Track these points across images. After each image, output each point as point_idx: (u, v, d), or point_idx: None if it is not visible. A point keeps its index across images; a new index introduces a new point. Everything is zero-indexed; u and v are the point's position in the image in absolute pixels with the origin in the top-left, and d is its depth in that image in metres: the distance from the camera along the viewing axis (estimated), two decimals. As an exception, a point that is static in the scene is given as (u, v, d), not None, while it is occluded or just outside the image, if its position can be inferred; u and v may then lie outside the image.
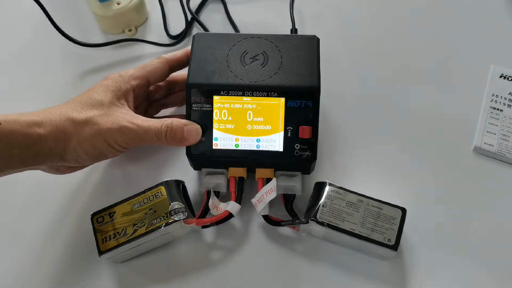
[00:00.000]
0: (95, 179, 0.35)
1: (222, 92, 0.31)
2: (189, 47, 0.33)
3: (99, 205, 0.31)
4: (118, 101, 0.30)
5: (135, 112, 0.31)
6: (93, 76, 0.41)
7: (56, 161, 0.29)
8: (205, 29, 0.43)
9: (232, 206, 0.31)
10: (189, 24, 0.43)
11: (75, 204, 0.34)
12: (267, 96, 0.30)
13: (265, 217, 0.31)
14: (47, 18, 0.38)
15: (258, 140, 0.31)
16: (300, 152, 0.31)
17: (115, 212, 0.30)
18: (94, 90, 0.31)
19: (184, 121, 0.30)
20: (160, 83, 0.35)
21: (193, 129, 0.30)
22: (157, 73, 0.33)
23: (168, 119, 0.30)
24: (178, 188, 0.31)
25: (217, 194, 0.32)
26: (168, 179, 0.31)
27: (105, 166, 0.36)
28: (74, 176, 0.35)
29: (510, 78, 0.39)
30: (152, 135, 0.29)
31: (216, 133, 0.31)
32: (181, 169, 0.35)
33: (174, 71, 0.34)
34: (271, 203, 0.31)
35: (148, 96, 0.35)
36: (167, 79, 0.35)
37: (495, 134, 0.36)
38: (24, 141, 0.27)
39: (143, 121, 0.30)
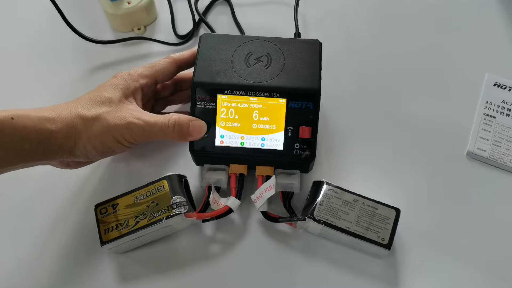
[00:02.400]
0: (100, 173, 0.36)
1: (226, 91, 0.31)
2: (196, 48, 0.33)
3: (103, 198, 0.31)
4: (126, 99, 0.31)
5: (143, 109, 0.32)
6: (102, 72, 0.41)
7: (65, 156, 0.29)
8: (212, 30, 0.44)
9: (232, 202, 0.31)
10: (196, 25, 0.43)
11: (80, 196, 0.35)
12: (270, 96, 0.31)
13: (264, 213, 0.32)
14: (59, 15, 0.39)
15: (263, 139, 0.32)
16: (299, 152, 0.31)
17: (118, 204, 0.31)
18: (104, 88, 0.31)
19: (190, 117, 0.31)
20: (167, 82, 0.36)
21: (198, 125, 0.31)
22: (164, 73, 0.33)
23: (175, 114, 0.31)
24: (180, 182, 0.31)
25: (218, 189, 0.33)
26: (171, 173, 0.32)
27: (110, 161, 0.36)
28: (80, 170, 0.35)
29: (503, 87, 0.39)
30: (158, 129, 0.30)
31: (219, 130, 0.32)
32: (183, 165, 0.35)
33: (181, 70, 0.35)
34: (270, 200, 0.32)
35: (155, 94, 0.36)
36: (174, 77, 0.35)
37: (487, 140, 0.37)
38: (35, 137, 0.27)
39: (149, 117, 0.30)
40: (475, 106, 0.39)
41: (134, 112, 0.30)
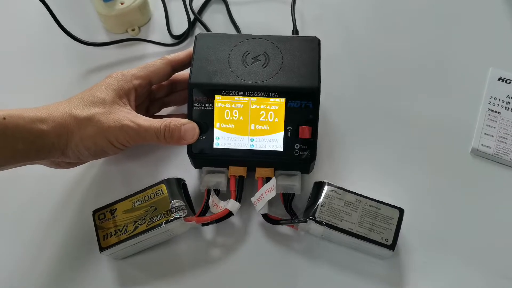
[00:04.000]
0: (97, 175, 0.35)
1: (223, 92, 0.31)
2: (192, 48, 0.33)
3: (100, 202, 0.31)
4: (120, 99, 0.31)
5: (137, 111, 0.32)
6: (96, 75, 0.41)
7: (57, 156, 0.29)
8: (207, 29, 0.43)
9: (232, 205, 0.31)
10: (191, 25, 0.43)
11: (76, 200, 0.34)
12: (268, 96, 0.31)
13: (264, 216, 0.32)
14: (51, 17, 0.39)
15: (259, 140, 0.31)
16: (299, 152, 0.31)
17: (116, 209, 0.30)
18: (97, 88, 0.31)
19: (182, 120, 0.31)
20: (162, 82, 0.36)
21: (190, 128, 0.31)
22: (159, 74, 0.33)
23: (167, 119, 0.30)
24: (179, 186, 0.31)
25: (217, 192, 0.32)
26: (169, 177, 0.31)
27: (106, 163, 0.36)
28: (76, 172, 0.35)
29: (508, 81, 0.39)
30: (152, 134, 0.30)
31: (217, 132, 0.31)
32: (182, 167, 0.35)
33: (177, 72, 0.35)
34: (271, 202, 0.32)
35: (150, 95, 0.36)
36: (170, 78, 0.35)
37: (492, 136, 0.36)
38: (28, 136, 0.27)
39: (144, 120, 0.30)
40: (479, 101, 0.38)
41: (129, 115, 0.30)
